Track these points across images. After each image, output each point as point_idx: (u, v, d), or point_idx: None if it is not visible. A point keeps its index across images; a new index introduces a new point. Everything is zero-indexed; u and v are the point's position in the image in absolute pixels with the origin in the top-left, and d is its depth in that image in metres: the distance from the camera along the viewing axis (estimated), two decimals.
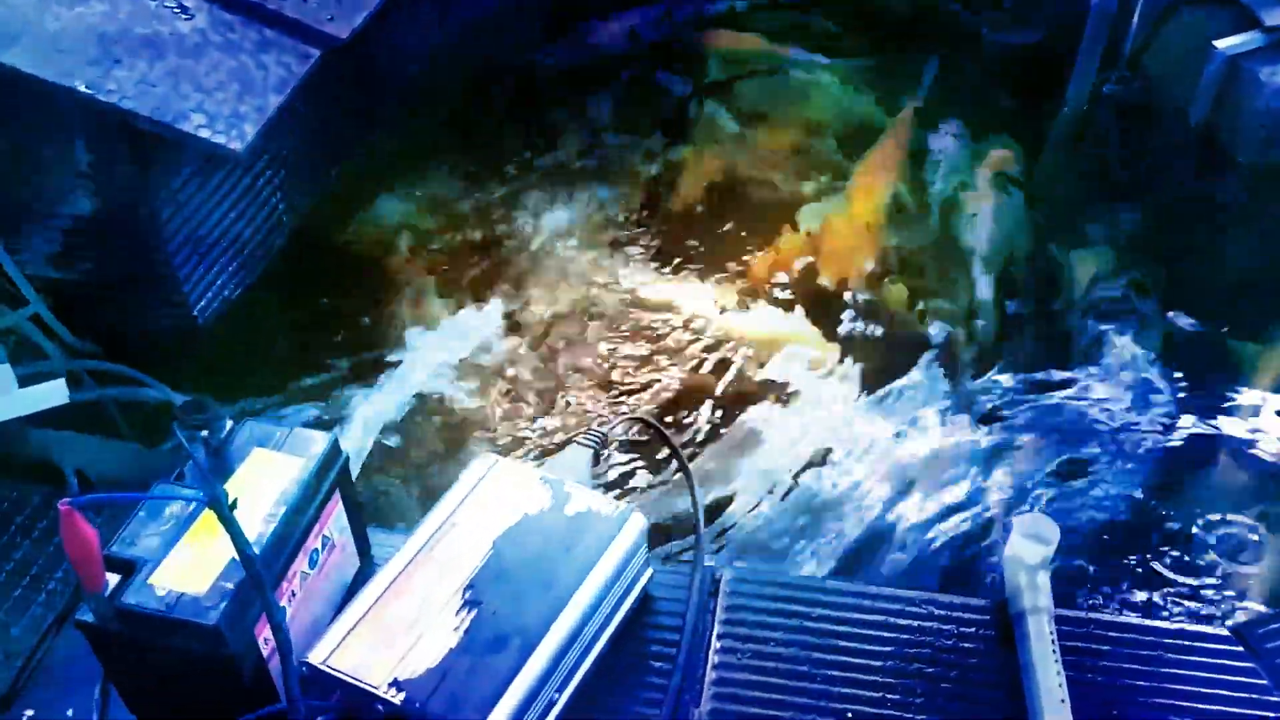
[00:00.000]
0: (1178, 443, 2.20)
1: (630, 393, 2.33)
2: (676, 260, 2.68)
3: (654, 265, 2.67)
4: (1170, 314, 2.47)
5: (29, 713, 1.53)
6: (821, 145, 2.95)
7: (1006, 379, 2.35)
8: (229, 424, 1.52)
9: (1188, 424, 2.23)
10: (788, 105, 3.05)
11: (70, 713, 1.52)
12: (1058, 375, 2.36)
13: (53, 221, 2.14)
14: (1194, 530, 2.01)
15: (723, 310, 2.53)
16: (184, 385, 2.05)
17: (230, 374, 2.28)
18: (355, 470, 1.87)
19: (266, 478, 1.47)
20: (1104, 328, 2.46)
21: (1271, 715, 1.48)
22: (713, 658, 1.57)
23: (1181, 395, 2.29)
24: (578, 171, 2.92)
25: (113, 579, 1.33)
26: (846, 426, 2.25)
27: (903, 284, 2.59)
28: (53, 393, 1.94)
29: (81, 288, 2.18)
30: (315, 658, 1.38)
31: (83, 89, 1.85)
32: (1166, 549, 1.98)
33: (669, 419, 2.27)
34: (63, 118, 1.98)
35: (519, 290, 2.60)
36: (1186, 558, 1.97)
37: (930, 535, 2.02)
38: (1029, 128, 2.91)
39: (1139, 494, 2.09)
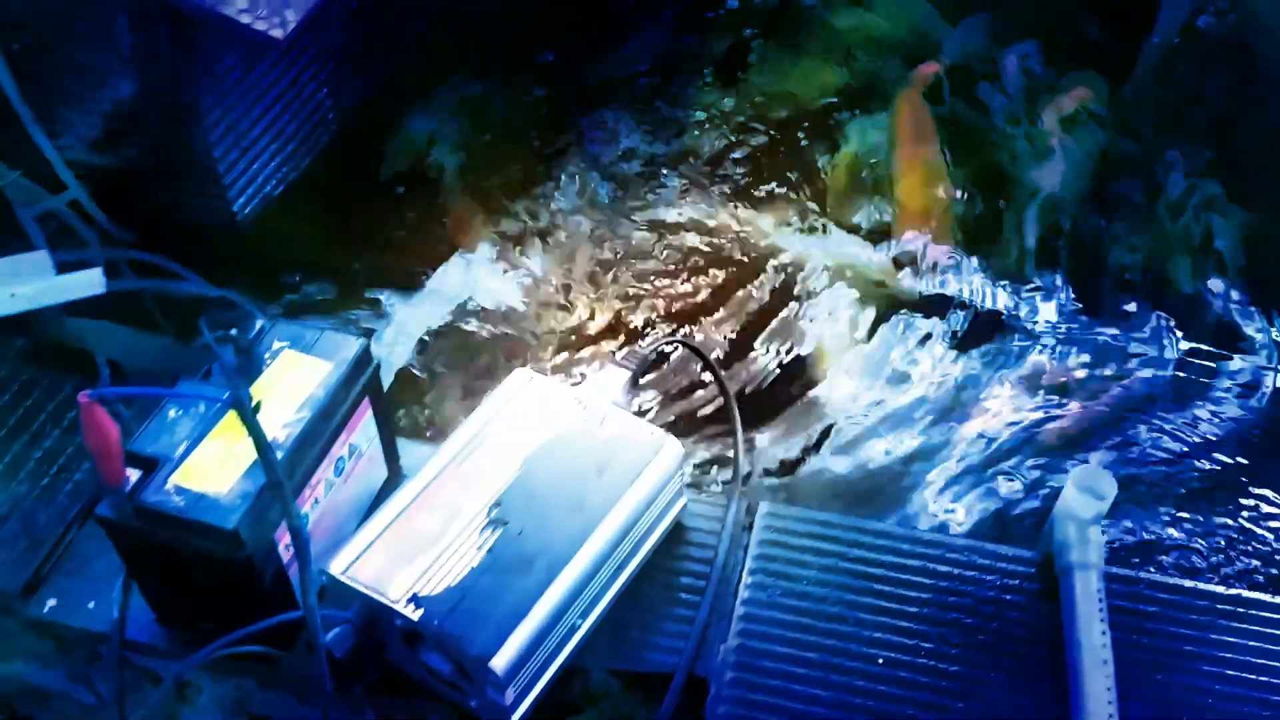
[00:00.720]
0: (1263, 397, 2.08)
1: (676, 317, 2.26)
2: (730, 181, 2.57)
3: (707, 184, 2.57)
4: (1267, 263, 2.33)
5: (52, 601, 1.53)
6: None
7: (1080, 326, 2.23)
8: (259, 324, 1.48)
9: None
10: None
11: (92, 605, 1.51)
12: (1140, 322, 2.23)
13: (94, 106, 2.09)
14: (1260, 492, 1.91)
15: (771, 233, 2.43)
16: (221, 281, 2.02)
17: (268, 272, 2.24)
18: (388, 380, 1.83)
19: (294, 380, 1.43)
20: (1192, 273, 2.32)
21: None
22: (742, 592, 1.53)
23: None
24: (637, 84, 2.81)
25: (133, 475, 1.31)
26: (908, 369, 2.15)
27: (968, 218, 2.46)
28: (90, 281, 1.91)
29: (122, 175, 2.14)
30: (335, 568, 1.35)
31: None
32: (1230, 509, 1.89)
33: (716, 348, 2.19)
34: None
35: (567, 208, 2.51)
36: (1251, 520, 1.88)
37: (987, 485, 1.93)
38: (1115, 59, 2.75)
39: (1207, 450, 1.99)
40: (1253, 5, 2.69)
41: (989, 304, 2.27)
